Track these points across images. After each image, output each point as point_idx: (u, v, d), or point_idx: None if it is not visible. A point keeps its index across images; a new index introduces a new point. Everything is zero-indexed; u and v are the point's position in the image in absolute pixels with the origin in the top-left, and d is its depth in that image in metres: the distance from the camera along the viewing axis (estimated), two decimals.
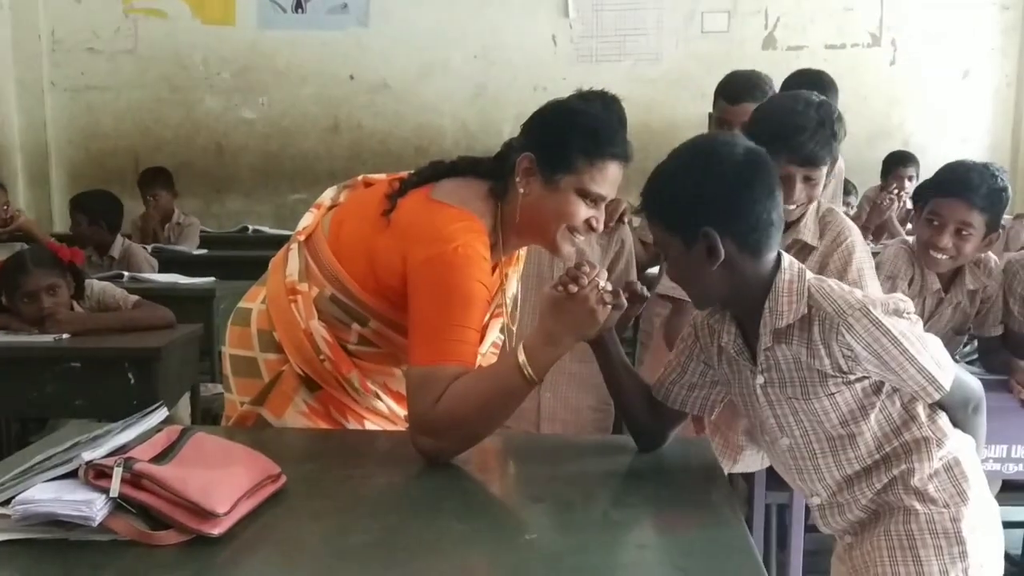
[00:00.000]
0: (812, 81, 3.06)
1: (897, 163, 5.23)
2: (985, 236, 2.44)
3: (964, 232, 2.41)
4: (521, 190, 1.68)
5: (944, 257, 2.44)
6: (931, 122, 6.38)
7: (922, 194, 2.57)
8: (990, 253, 2.58)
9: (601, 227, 1.71)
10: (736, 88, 2.64)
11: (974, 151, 6.27)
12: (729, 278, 1.51)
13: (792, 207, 2.07)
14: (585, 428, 2.50)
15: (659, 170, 1.56)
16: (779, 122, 2.04)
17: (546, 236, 1.71)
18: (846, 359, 1.49)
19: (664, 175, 1.54)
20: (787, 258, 1.57)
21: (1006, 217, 4.77)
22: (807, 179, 2.07)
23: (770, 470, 2.32)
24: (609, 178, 1.66)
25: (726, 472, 2.28)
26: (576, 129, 1.66)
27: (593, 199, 1.67)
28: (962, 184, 2.39)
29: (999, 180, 2.40)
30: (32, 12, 6.48)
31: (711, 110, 2.80)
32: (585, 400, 2.53)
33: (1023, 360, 2.54)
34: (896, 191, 4.88)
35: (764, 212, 1.49)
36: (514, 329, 1.86)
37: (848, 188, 4.50)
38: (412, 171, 1.79)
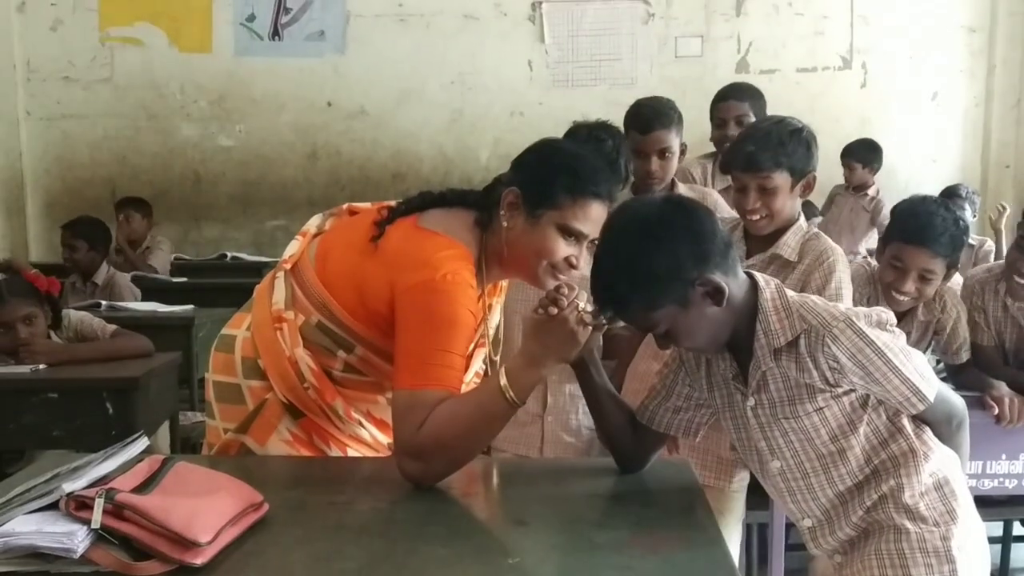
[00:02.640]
0: (738, 88, 3.42)
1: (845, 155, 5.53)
2: (945, 275, 2.47)
3: (927, 277, 2.44)
4: (504, 223, 1.71)
5: (907, 299, 2.48)
6: (902, 143, 6.47)
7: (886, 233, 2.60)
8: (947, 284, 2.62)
9: (581, 265, 1.71)
10: (646, 117, 2.70)
11: (944, 172, 6.37)
12: (730, 310, 1.53)
13: (755, 218, 2.19)
14: (588, 450, 2.49)
15: (607, 272, 1.51)
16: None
17: (528, 271, 1.73)
18: (832, 371, 1.51)
19: (623, 273, 1.49)
20: (759, 276, 1.59)
21: (976, 238, 4.93)
22: (762, 189, 2.17)
23: (751, 489, 2.33)
24: (591, 216, 1.68)
25: (731, 492, 2.30)
26: (561, 166, 1.69)
27: (575, 236, 1.68)
28: (925, 233, 2.41)
29: (959, 224, 2.44)
30: (7, 42, 6.46)
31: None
32: (586, 420, 2.53)
33: (993, 377, 2.59)
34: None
35: (719, 231, 1.53)
36: (496, 359, 1.87)
37: (813, 211, 4.64)
38: (400, 200, 1.81)
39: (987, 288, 2.69)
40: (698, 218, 1.52)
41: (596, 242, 1.71)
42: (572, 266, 1.70)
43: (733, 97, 3.41)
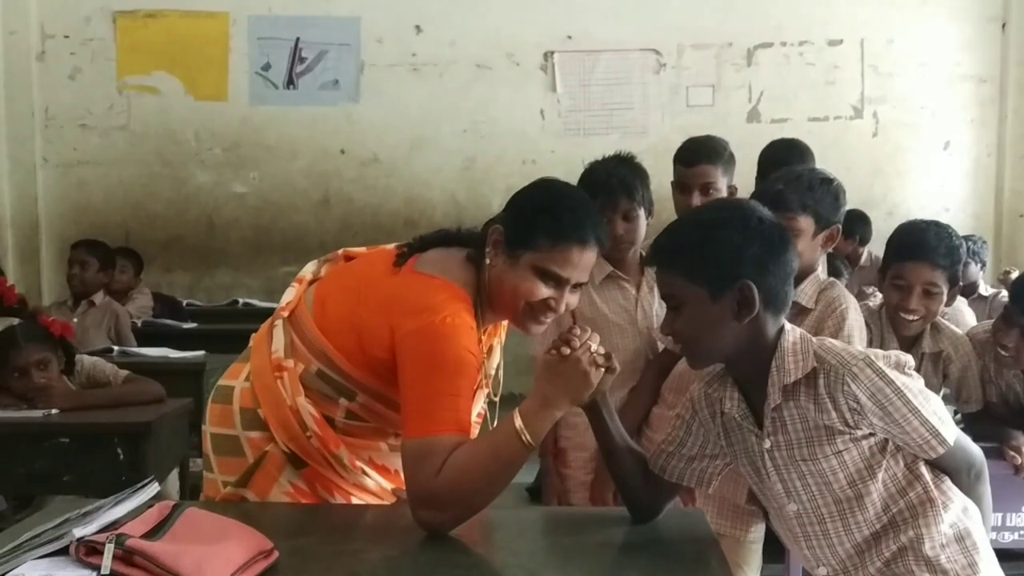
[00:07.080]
0: (787, 148, 3.16)
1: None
2: (949, 291, 2.46)
3: (932, 292, 2.43)
4: (488, 260, 1.71)
5: (915, 319, 2.46)
6: (914, 192, 6.49)
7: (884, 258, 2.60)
8: (945, 322, 2.61)
9: (561, 309, 1.70)
10: (692, 150, 2.65)
11: (958, 221, 6.36)
12: (747, 335, 1.53)
13: None
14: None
15: (684, 223, 1.61)
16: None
17: (510, 311, 1.73)
18: (852, 412, 1.50)
19: (693, 227, 1.57)
20: (787, 323, 1.59)
21: (990, 289, 4.90)
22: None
23: (765, 541, 2.30)
24: (571, 261, 1.66)
25: (748, 542, 2.27)
26: (543, 208, 1.68)
27: (554, 280, 1.67)
28: (922, 246, 2.43)
29: (952, 236, 2.45)
30: (26, 90, 6.56)
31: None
32: None
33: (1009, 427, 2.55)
34: None
35: (792, 273, 1.56)
36: (496, 401, 1.87)
37: (838, 269, 4.42)
38: (407, 241, 1.81)
39: (987, 347, 2.67)
40: (785, 242, 1.55)
41: (581, 285, 1.71)
42: (551, 309, 1.69)
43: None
